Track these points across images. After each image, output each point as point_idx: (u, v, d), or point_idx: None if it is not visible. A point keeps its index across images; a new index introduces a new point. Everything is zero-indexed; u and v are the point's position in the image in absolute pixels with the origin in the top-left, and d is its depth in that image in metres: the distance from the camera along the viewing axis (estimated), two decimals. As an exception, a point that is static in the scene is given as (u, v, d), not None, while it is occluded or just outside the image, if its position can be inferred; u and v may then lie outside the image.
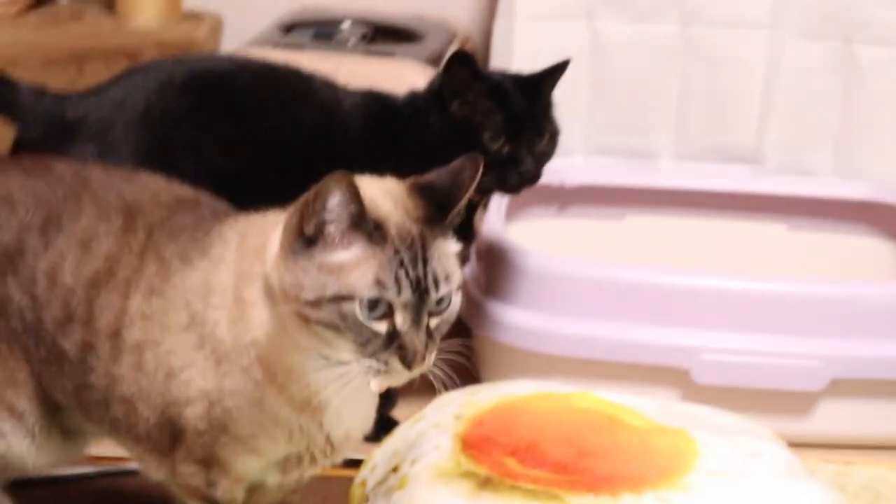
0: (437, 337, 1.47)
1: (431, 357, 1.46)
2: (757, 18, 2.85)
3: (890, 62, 2.84)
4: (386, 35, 2.96)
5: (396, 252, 1.41)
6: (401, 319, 1.42)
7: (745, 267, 2.69)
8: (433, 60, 2.75)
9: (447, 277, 1.45)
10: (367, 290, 1.40)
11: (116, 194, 1.62)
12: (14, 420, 1.64)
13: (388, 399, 2.10)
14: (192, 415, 1.54)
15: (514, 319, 2.29)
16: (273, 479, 1.63)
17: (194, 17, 3.08)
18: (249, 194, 1.67)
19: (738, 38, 2.86)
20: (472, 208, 2.21)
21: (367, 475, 1.78)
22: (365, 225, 1.41)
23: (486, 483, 1.61)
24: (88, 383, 1.58)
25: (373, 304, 1.40)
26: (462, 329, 2.16)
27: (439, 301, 1.45)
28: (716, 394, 2.17)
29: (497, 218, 2.46)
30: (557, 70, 2.17)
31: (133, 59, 2.59)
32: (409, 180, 1.52)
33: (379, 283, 1.40)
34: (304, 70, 2.17)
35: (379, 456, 1.81)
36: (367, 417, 1.62)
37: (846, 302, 2.30)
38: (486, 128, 2.08)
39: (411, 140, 2.10)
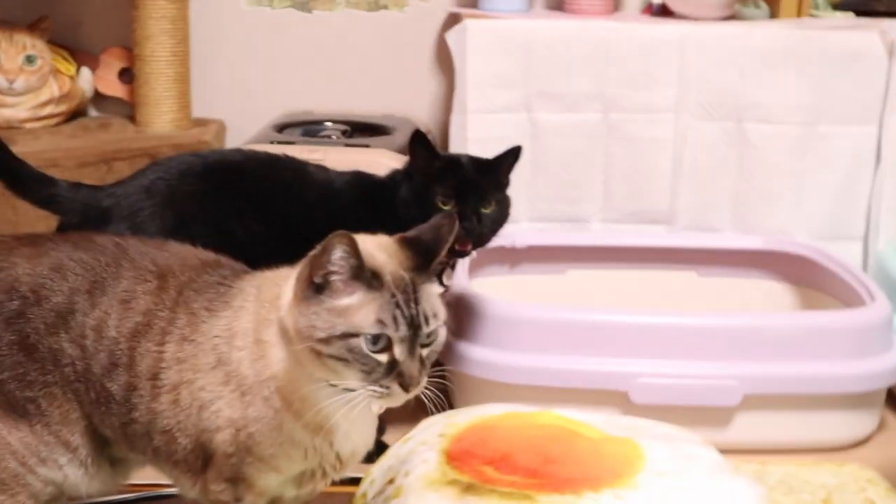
0: (428, 364, 1.47)
1: (424, 381, 1.46)
2: (664, 105, 2.86)
3: (773, 136, 2.86)
4: (362, 131, 2.96)
5: (393, 295, 1.42)
6: (399, 351, 1.42)
7: (664, 308, 2.67)
8: (401, 150, 2.74)
9: (434, 315, 1.46)
10: (370, 328, 1.41)
11: (151, 260, 1.60)
12: (70, 454, 1.61)
13: (379, 427, 2.07)
14: (221, 440, 1.52)
15: (480, 356, 2.28)
16: (290, 492, 1.61)
17: (202, 122, 3.07)
18: (261, 259, 1.64)
19: (649, 121, 2.87)
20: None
21: (367, 488, 1.76)
22: (364, 275, 1.42)
23: (469, 488, 1.59)
24: (133, 419, 1.56)
25: (375, 339, 1.41)
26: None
27: (429, 334, 1.46)
28: (650, 411, 2.12)
29: (462, 274, 2.44)
30: (511, 153, 2.19)
31: (153, 160, 2.57)
32: (399, 235, 1.53)
33: (380, 321, 1.41)
34: (298, 158, 2.16)
35: (376, 471, 1.78)
36: (369, 436, 1.60)
37: (754, 331, 2.30)
38: (439, 192, 2.09)
39: (390, 207, 2.10)
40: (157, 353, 1.53)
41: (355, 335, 1.40)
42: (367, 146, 2.75)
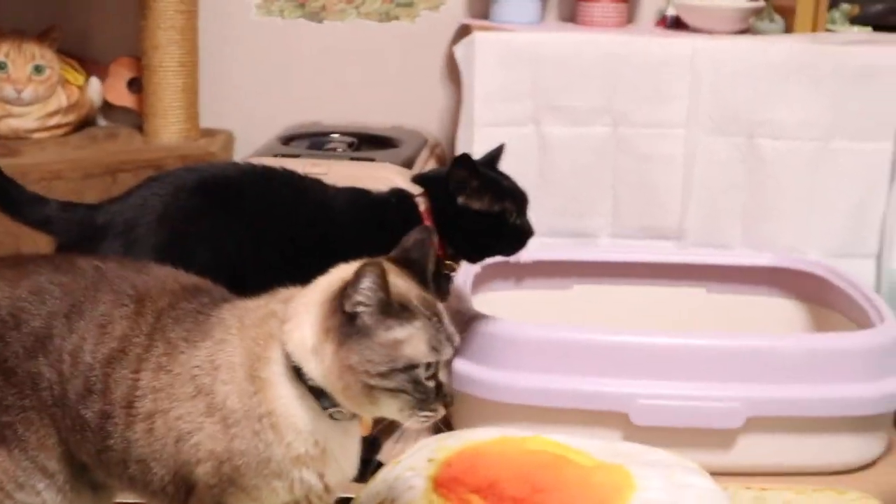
0: None
1: None
2: (675, 120, 2.82)
3: (786, 152, 2.81)
4: (369, 143, 2.94)
5: (429, 319, 1.42)
6: (444, 374, 1.43)
7: (672, 325, 2.65)
8: (408, 163, 2.72)
9: (455, 330, 1.46)
10: (426, 356, 1.41)
11: (130, 284, 1.57)
12: (47, 479, 1.59)
13: (374, 446, 2.05)
14: (203, 472, 1.49)
15: (480, 375, 2.24)
16: (273, 522, 1.58)
17: (210, 133, 3.06)
18: (255, 277, 1.61)
19: (660, 136, 2.83)
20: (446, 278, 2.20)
21: (354, 514, 1.74)
22: (392, 307, 1.41)
23: (453, 518, 1.57)
24: (108, 446, 1.53)
25: (428, 367, 1.41)
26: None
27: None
28: (651, 433, 2.13)
29: (463, 290, 2.42)
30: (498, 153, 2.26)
31: (159, 171, 2.56)
32: (389, 257, 1.50)
33: (434, 349, 1.42)
34: (296, 172, 2.13)
35: (364, 497, 1.78)
36: (356, 462, 1.56)
37: (759, 352, 2.25)
38: (510, 208, 2.16)
39: (389, 225, 2.05)
40: (133, 380, 1.50)
41: (416, 366, 1.40)
42: (372, 160, 2.72)
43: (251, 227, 2.02)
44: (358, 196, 2.15)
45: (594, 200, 2.88)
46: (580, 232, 2.89)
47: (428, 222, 2.11)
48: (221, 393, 1.47)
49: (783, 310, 2.76)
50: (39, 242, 2.03)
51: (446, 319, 1.46)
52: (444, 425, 1.62)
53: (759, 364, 2.23)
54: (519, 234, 2.20)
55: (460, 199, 2.12)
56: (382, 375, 1.40)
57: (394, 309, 1.40)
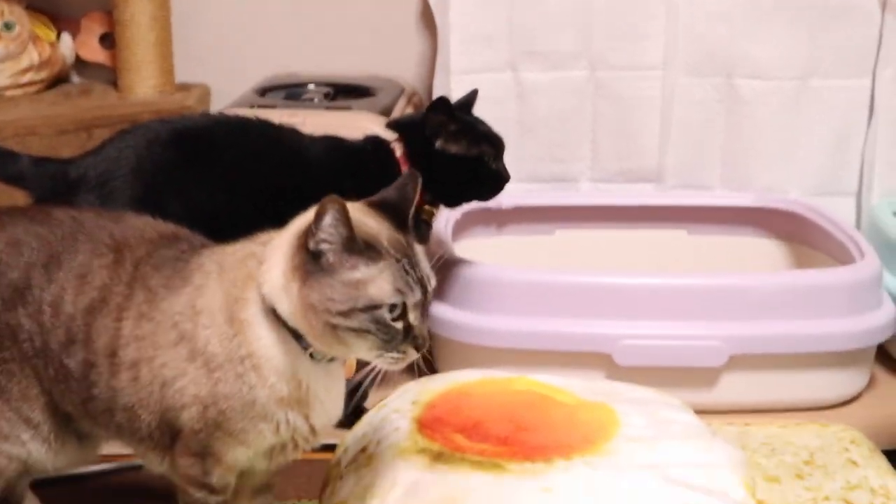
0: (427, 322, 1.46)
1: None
2: (652, 62, 2.81)
3: (764, 92, 2.81)
4: (345, 93, 2.91)
5: (398, 261, 1.40)
6: (413, 315, 1.41)
7: (654, 267, 2.66)
8: (385, 112, 2.70)
9: (431, 274, 1.45)
10: (390, 297, 1.39)
11: (108, 233, 1.57)
12: (31, 430, 1.59)
13: (361, 393, 2.05)
14: (188, 417, 1.49)
15: (462, 319, 2.25)
16: (261, 465, 1.58)
17: (185, 87, 3.02)
18: (230, 229, 1.60)
19: (637, 78, 2.83)
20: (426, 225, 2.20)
21: (340, 456, 1.75)
22: (356, 245, 1.38)
23: (438, 456, 1.59)
24: (92, 396, 1.53)
25: (393, 308, 1.39)
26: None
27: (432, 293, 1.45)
28: (635, 373, 2.12)
29: (444, 235, 2.42)
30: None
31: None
32: (366, 200, 1.48)
33: (398, 290, 1.39)
34: (272, 121, 2.12)
35: (350, 440, 1.78)
36: (341, 404, 1.57)
37: (740, 291, 2.26)
38: (487, 152, 2.17)
39: (365, 172, 2.07)
40: (115, 329, 1.50)
41: (378, 307, 1.38)
42: (348, 108, 2.71)
43: (226, 177, 2.01)
44: (334, 143, 2.14)
45: (574, 145, 2.87)
46: (560, 177, 2.89)
47: (404, 168, 2.10)
48: (202, 338, 1.47)
49: (764, 249, 2.77)
50: (16, 199, 2.01)
51: (422, 263, 1.44)
52: (429, 370, 1.62)
53: (741, 302, 2.23)
54: (496, 179, 2.20)
55: (438, 143, 2.12)
56: (343, 315, 1.38)
57: (358, 247, 1.38)
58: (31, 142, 2.54)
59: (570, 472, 1.51)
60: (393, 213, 1.46)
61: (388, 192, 1.50)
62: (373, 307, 1.38)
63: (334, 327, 1.39)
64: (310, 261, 1.39)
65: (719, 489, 1.53)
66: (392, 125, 2.22)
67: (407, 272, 1.40)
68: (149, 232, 1.58)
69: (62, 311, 1.52)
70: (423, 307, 1.42)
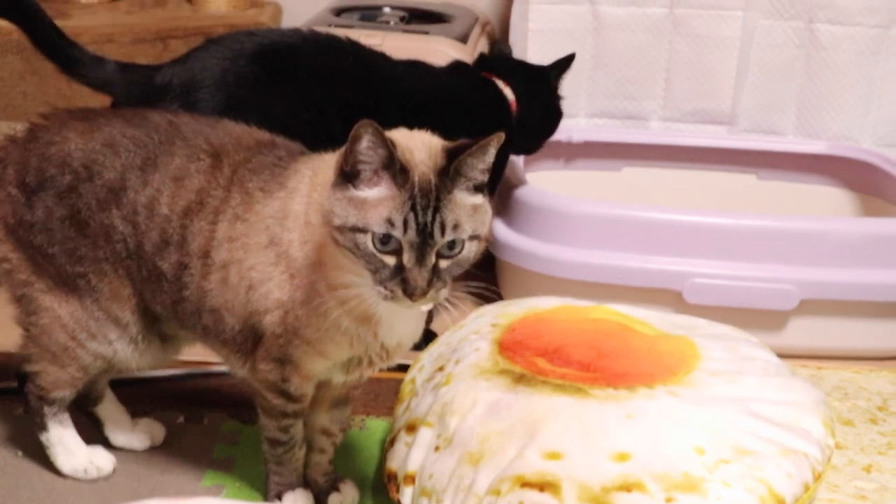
0: (447, 277, 1.37)
1: (439, 293, 1.37)
2: (733, 2, 2.77)
3: (845, 38, 2.76)
4: (420, 18, 2.89)
5: (411, 197, 1.34)
6: (407, 257, 1.34)
7: (721, 210, 2.63)
8: (461, 38, 2.68)
9: (456, 226, 1.35)
10: (377, 226, 1.34)
11: (204, 139, 1.57)
12: (120, 330, 1.62)
13: (428, 316, 2.06)
14: (270, 322, 1.50)
15: (532, 248, 2.25)
16: (338, 377, 1.59)
17: (258, 3, 3.02)
18: (312, 148, 1.59)
19: (717, 18, 2.79)
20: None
21: (415, 374, 1.75)
22: (393, 166, 1.34)
23: (520, 378, 1.58)
24: (183, 297, 1.55)
25: (384, 239, 1.34)
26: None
27: (451, 246, 1.36)
28: (703, 312, 2.09)
29: (518, 168, 2.40)
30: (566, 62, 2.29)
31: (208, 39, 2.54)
32: (446, 142, 1.41)
33: (389, 221, 1.33)
34: (359, 42, 2.10)
35: (426, 358, 1.78)
36: (416, 329, 1.55)
37: (815, 235, 2.24)
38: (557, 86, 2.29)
39: (479, 114, 2.13)
40: (209, 231, 1.51)
41: (363, 231, 1.34)
42: (426, 33, 2.69)
43: (310, 97, 1.99)
44: (423, 69, 2.13)
45: (647, 83, 2.84)
46: (632, 114, 2.87)
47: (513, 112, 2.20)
48: (286, 241, 1.47)
49: (834, 198, 2.74)
50: (92, 104, 2.01)
51: (447, 215, 1.34)
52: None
53: (815, 247, 2.21)
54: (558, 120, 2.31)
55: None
56: (338, 229, 1.35)
57: (394, 167, 1.33)
58: (108, 48, 2.53)
59: (654, 400, 1.51)
60: (461, 162, 1.37)
61: (470, 146, 1.37)
62: (358, 229, 1.34)
63: (336, 241, 1.37)
64: (341, 174, 1.36)
65: (801, 427, 1.53)
66: (499, 67, 2.26)
67: (414, 210, 1.34)
68: (246, 139, 1.58)
69: (157, 213, 1.53)
70: (423, 254, 1.34)
